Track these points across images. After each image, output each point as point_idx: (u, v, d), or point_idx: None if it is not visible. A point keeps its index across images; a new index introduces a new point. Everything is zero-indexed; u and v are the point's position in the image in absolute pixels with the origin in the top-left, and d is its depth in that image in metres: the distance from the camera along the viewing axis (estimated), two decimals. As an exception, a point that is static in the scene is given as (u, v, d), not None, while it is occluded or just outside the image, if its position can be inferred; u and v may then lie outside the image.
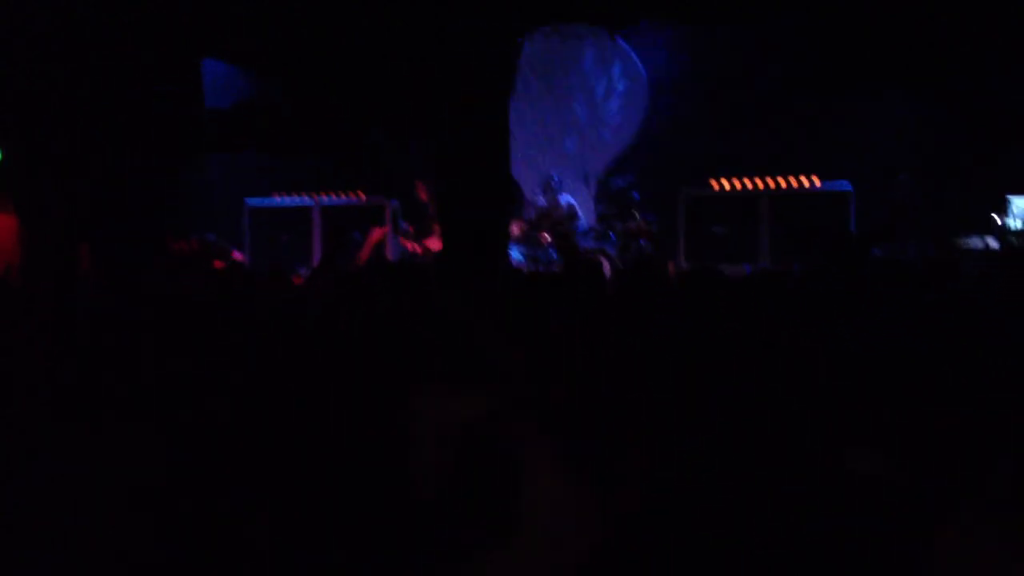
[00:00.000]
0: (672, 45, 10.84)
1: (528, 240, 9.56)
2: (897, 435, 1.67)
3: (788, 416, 1.61)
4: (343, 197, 9.50)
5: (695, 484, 1.53)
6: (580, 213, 10.02)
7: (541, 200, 10.16)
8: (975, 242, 7.82)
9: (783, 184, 9.17)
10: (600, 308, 3.06)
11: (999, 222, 8.05)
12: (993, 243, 7.77)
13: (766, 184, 9.18)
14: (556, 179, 10.22)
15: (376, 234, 7.33)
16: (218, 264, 8.16)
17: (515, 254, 9.22)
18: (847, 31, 7.28)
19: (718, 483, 1.52)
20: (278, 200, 9.73)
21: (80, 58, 6.70)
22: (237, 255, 8.95)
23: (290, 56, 7.45)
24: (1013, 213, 8.01)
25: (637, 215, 9.60)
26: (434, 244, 8.09)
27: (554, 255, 9.45)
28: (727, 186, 9.33)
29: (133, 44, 6.87)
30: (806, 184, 9.10)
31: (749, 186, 9.25)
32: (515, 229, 9.39)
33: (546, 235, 9.53)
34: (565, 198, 10.12)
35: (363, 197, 9.47)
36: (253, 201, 9.68)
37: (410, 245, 8.32)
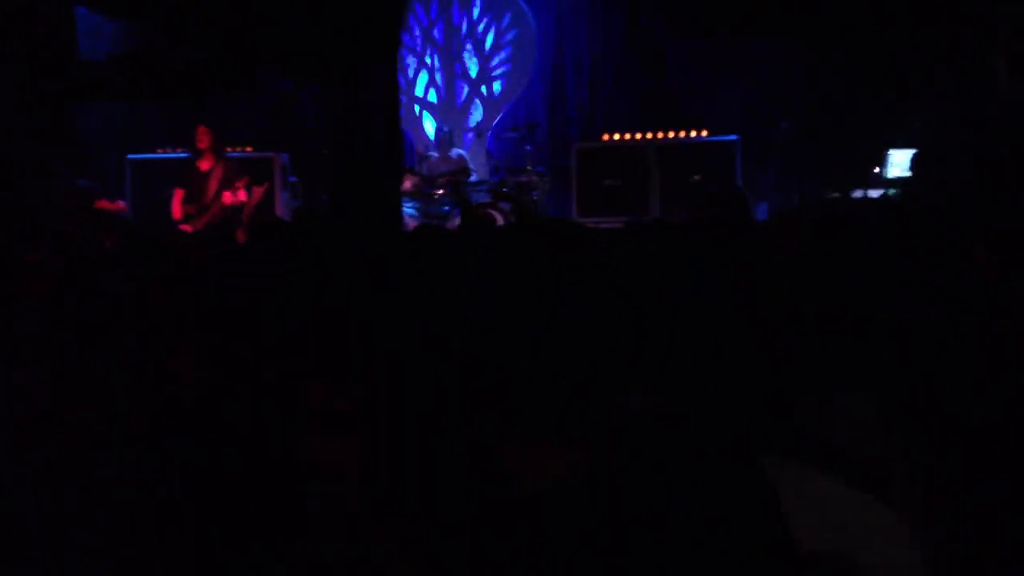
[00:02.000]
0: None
1: (420, 195, 9.47)
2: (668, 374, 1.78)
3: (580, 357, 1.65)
4: (230, 151, 9.25)
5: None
6: (472, 167, 9.97)
7: (433, 153, 10.08)
8: (855, 192, 8.07)
9: (671, 135, 9.30)
10: (490, 262, 3.06)
11: (878, 173, 8.31)
12: (872, 194, 8.02)
13: (655, 136, 9.30)
14: (447, 132, 10.13)
15: (257, 193, 7.15)
16: (103, 204, 7.87)
17: (408, 209, 9.13)
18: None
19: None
20: (161, 155, 9.50)
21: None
22: (121, 204, 8.65)
23: (172, 5, 7.17)
24: (892, 165, 8.26)
25: (530, 168, 9.61)
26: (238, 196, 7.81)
27: (446, 210, 9.39)
28: (617, 138, 9.42)
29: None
30: (694, 135, 9.26)
31: (639, 138, 9.36)
32: (407, 184, 9.29)
33: (439, 190, 9.44)
34: (456, 151, 10.06)
35: (249, 151, 9.27)
36: (135, 155, 9.45)
37: (228, 196, 7.94)
